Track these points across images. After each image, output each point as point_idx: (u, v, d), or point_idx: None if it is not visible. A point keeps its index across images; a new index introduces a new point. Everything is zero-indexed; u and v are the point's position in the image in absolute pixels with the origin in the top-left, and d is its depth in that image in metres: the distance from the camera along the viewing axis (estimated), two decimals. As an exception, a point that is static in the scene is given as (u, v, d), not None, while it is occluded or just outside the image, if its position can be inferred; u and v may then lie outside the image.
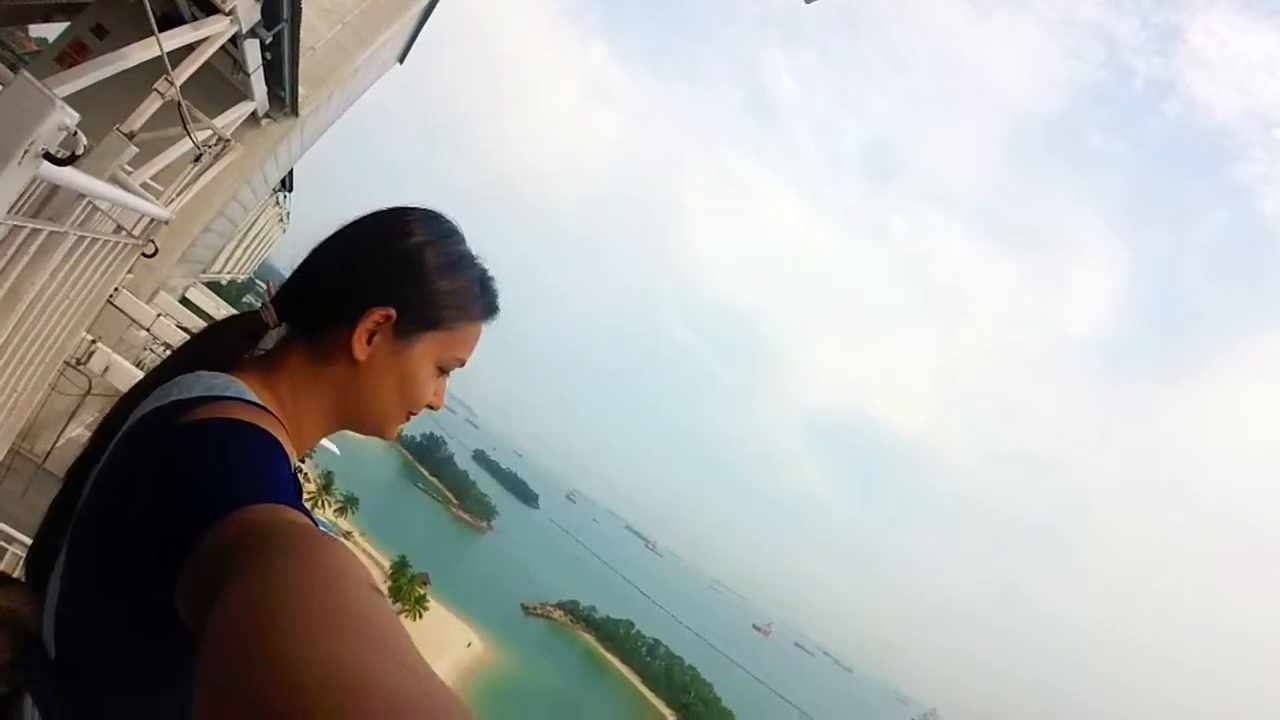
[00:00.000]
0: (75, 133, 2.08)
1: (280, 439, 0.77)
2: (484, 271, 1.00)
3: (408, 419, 0.99)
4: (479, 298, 0.98)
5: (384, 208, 0.97)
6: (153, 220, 4.54)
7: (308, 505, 0.69)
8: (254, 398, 0.83)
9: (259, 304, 0.95)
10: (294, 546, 0.52)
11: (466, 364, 1.01)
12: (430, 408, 1.00)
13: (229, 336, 0.94)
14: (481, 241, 1.01)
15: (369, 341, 0.90)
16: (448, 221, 0.98)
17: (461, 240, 0.98)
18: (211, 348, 0.93)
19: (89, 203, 3.20)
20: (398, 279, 0.91)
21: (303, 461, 0.98)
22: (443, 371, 0.99)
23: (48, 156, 2.01)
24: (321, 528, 0.59)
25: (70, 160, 2.14)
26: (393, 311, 0.90)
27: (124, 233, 4.20)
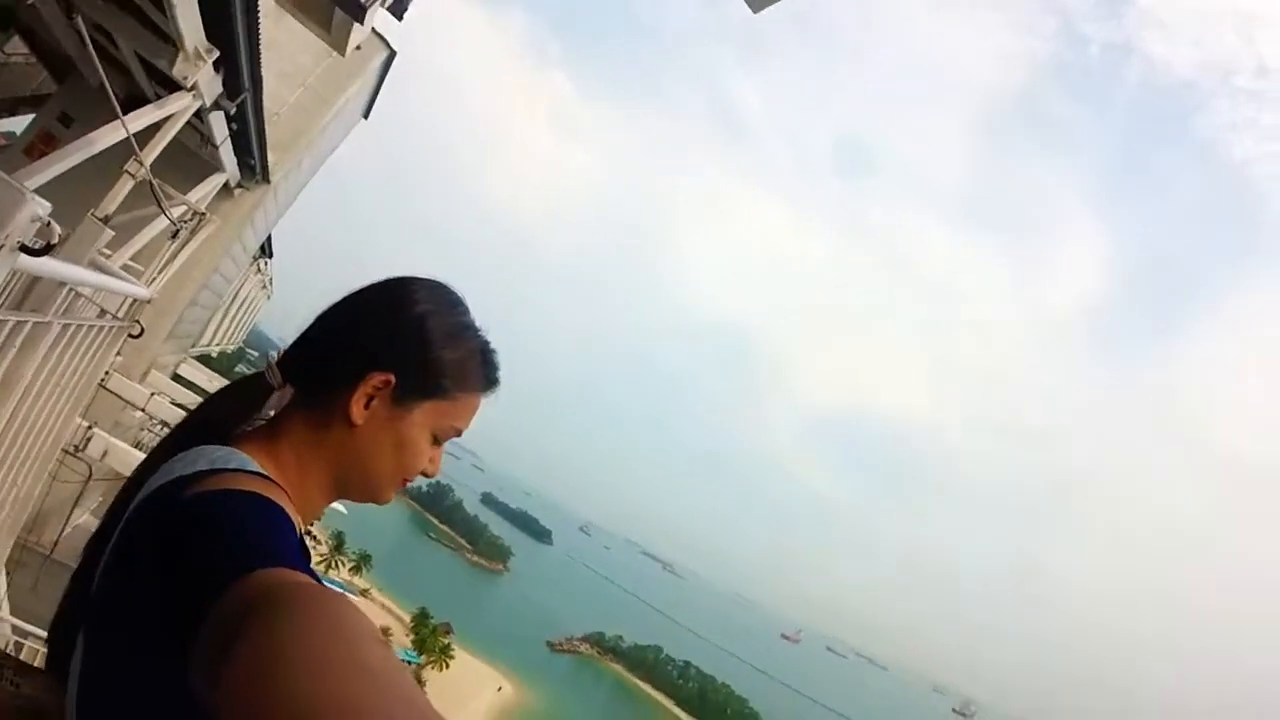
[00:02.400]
0: (49, 222, 2.11)
1: (285, 506, 0.78)
2: (486, 343, 1.00)
3: (403, 485, 0.99)
4: (480, 369, 0.99)
5: (390, 276, 0.98)
6: (135, 301, 4.57)
7: (320, 568, 0.69)
8: (257, 467, 0.84)
9: (264, 365, 0.96)
10: (299, 602, 0.54)
11: (463, 434, 1.02)
12: (425, 475, 1.00)
13: (227, 406, 0.95)
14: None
15: (366, 406, 0.91)
16: (452, 292, 1.00)
17: (465, 311, 1.00)
18: (211, 419, 0.93)
19: (70, 290, 3.23)
20: (399, 346, 0.93)
21: (310, 525, 0.99)
22: (438, 441, 0.99)
23: (24, 248, 2.04)
24: (338, 589, 0.60)
25: (46, 250, 2.17)
26: (392, 377, 0.91)
27: (108, 316, 4.23)
